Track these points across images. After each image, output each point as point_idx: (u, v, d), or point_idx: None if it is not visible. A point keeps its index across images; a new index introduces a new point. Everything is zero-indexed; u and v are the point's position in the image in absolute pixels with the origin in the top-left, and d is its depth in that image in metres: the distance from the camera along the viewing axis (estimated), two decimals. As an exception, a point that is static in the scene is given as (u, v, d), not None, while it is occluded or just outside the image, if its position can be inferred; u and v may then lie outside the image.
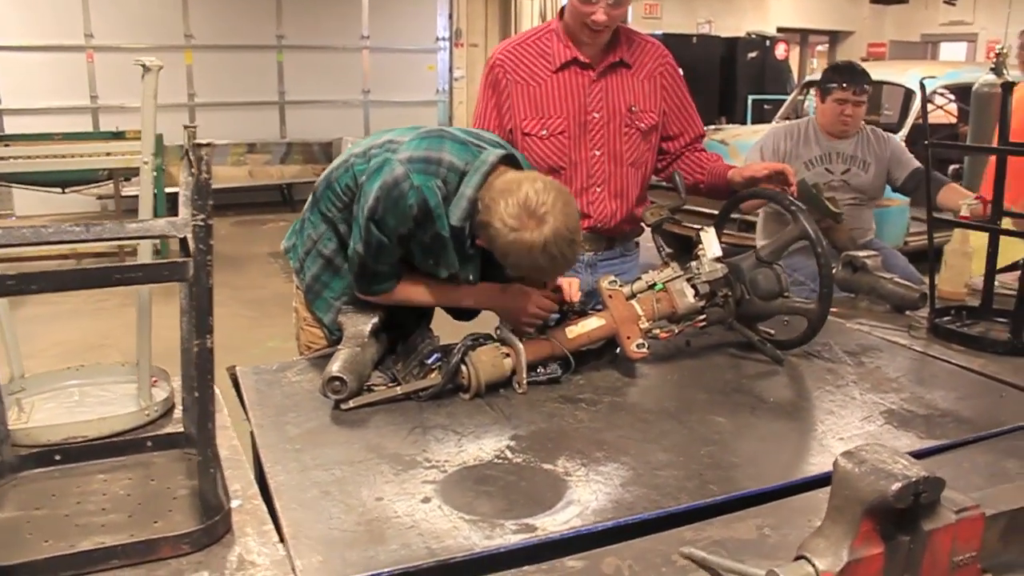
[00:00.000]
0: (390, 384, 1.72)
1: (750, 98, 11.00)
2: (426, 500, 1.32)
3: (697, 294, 1.90)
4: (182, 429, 1.53)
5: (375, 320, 1.82)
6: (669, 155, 2.41)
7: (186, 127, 1.33)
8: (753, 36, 11.96)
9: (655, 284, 1.90)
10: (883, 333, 2.21)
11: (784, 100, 7.76)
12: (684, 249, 1.97)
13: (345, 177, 1.86)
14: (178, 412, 1.72)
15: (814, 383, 1.85)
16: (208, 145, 1.04)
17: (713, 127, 6.75)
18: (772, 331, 2.08)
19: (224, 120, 9.61)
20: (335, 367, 1.67)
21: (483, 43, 11.55)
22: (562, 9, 2.27)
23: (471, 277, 1.88)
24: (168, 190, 7.86)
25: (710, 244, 1.93)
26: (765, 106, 10.73)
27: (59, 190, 6.95)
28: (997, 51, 5.35)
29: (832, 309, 2.42)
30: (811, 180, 3.34)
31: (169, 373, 1.81)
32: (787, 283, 1.95)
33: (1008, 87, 2.24)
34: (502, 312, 1.86)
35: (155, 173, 1.53)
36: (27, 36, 8.70)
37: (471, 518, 1.27)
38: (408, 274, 1.86)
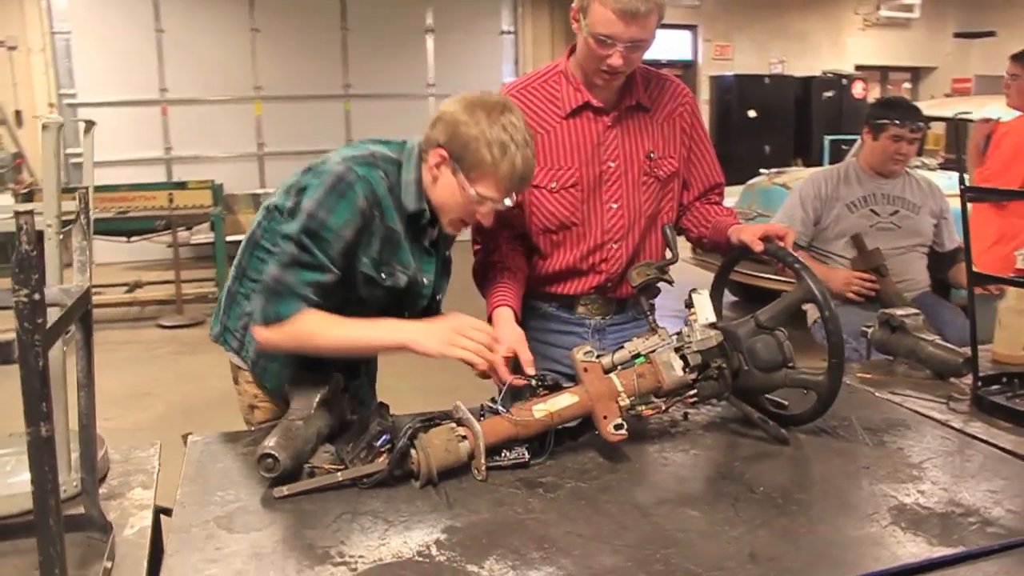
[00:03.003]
0: (328, 467, 1.55)
1: (827, 139, 10.61)
2: (320, 608, 1.15)
3: (687, 366, 1.67)
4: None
5: (324, 391, 1.67)
6: (681, 206, 2.19)
7: (74, 189, 1.22)
8: (829, 75, 11.59)
9: (639, 355, 1.69)
10: (917, 404, 1.94)
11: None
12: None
13: (272, 225, 1.76)
14: (113, 482, 1.60)
15: (819, 468, 1.61)
16: (28, 213, 0.91)
17: (775, 170, 6.47)
18: (785, 402, 1.84)
19: (292, 169, 9.73)
20: (270, 443, 1.52)
21: (550, 88, 11.51)
22: (571, 48, 2.05)
23: (426, 281, 1.81)
24: (230, 239, 8.00)
25: (703, 308, 1.71)
26: (843, 146, 10.33)
27: (124, 239, 7.13)
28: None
29: (866, 375, 2.18)
30: (855, 223, 3.10)
31: (105, 440, 1.68)
32: (791, 351, 1.71)
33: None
34: (422, 339, 1.63)
35: (58, 237, 1.40)
36: (106, 92, 9.08)
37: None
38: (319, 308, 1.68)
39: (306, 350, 1.70)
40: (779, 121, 11.22)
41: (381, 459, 1.54)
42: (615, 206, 2.06)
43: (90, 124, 1.55)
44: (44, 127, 1.31)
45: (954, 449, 1.71)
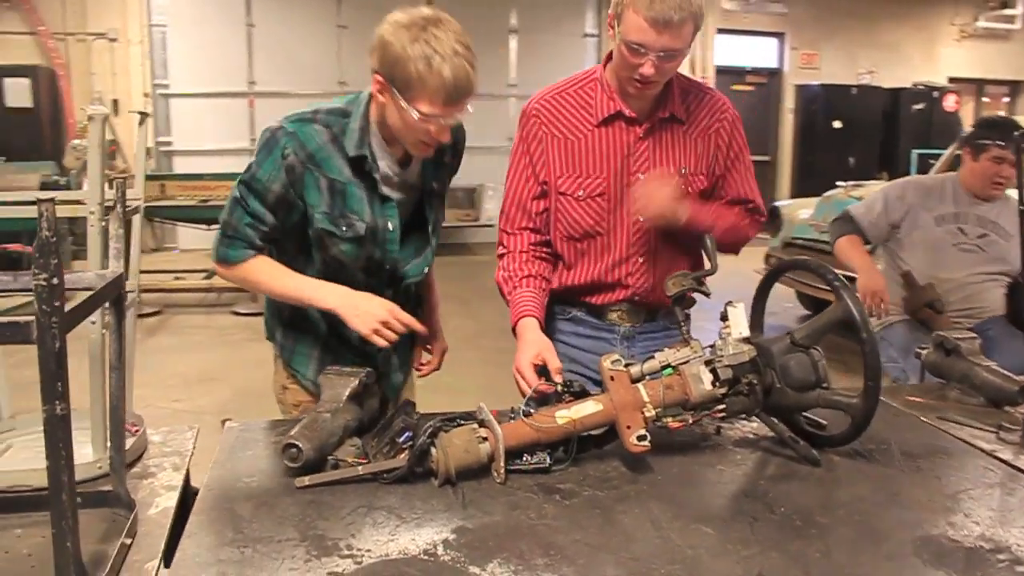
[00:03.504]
0: (352, 460, 1.58)
1: (914, 152, 10.26)
2: (320, 598, 1.17)
3: (717, 380, 1.64)
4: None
5: (355, 383, 1.70)
6: None
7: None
8: (920, 87, 11.19)
9: (668, 366, 1.66)
10: (964, 432, 1.86)
11: (953, 154, 7.13)
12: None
13: None
14: (149, 462, 1.67)
15: (847, 492, 1.55)
16: (50, 200, 0.96)
17: (852, 183, 6.28)
18: (824, 422, 1.79)
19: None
20: (293, 432, 1.56)
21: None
22: (608, 56, 2.02)
23: (391, 226, 1.85)
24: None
25: (738, 322, 1.68)
26: (931, 160, 9.98)
27: (205, 226, 7.39)
28: None
29: (915, 398, 2.11)
30: (940, 237, 3.04)
31: (143, 418, 1.74)
32: (825, 371, 1.66)
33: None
34: (351, 313, 1.76)
35: (100, 224, 1.47)
36: (196, 84, 9.41)
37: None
38: (270, 256, 1.82)
39: (252, 291, 1.86)
40: (865, 133, 10.91)
41: (403, 455, 1.56)
42: (641, 219, 2.03)
43: (144, 116, 1.64)
44: (90, 118, 1.37)
45: (996, 481, 1.63)
